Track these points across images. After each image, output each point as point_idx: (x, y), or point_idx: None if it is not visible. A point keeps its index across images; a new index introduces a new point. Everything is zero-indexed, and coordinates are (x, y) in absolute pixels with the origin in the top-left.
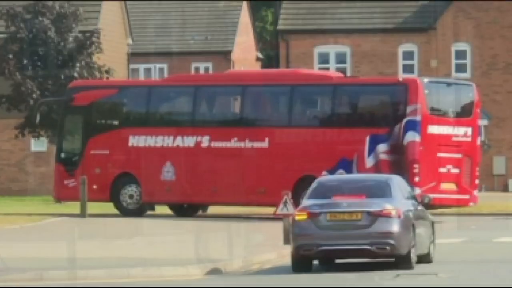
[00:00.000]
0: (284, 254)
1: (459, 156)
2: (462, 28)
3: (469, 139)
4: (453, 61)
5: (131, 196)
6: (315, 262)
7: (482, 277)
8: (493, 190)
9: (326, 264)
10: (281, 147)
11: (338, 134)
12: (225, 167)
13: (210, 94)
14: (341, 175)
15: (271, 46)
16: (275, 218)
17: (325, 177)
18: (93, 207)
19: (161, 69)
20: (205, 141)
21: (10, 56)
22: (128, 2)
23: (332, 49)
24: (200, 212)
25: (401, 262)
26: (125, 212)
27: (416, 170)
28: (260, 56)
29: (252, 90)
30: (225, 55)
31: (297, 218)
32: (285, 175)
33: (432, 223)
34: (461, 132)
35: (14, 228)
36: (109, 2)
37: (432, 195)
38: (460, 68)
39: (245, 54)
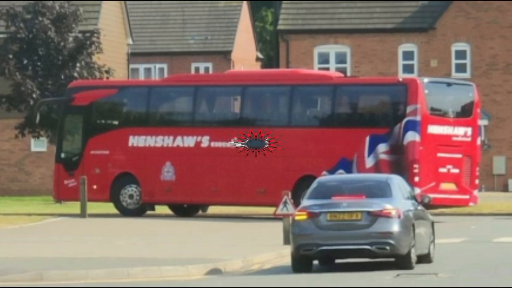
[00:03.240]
0: (284, 254)
1: (459, 156)
2: (462, 28)
3: (469, 139)
4: (453, 61)
5: (131, 196)
6: (315, 262)
7: (482, 277)
8: (493, 190)
9: (326, 264)
10: (281, 147)
11: (338, 134)
12: (225, 167)
13: (210, 94)
14: (341, 175)
15: (271, 46)
16: (275, 218)
17: (325, 177)
18: (93, 207)
19: (161, 69)
20: (205, 141)
21: (10, 56)
22: (128, 2)
23: (332, 49)
24: (200, 212)
25: (401, 262)
26: (125, 212)
27: (416, 170)
28: (260, 56)
29: (252, 90)
30: (225, 55)
31: (297, 218)
32: (285, 175)
33: (432, 223)
34: (461, 132)
35: (14, 228)
36: (109, 2)
37: (432, 195)
38: (460, 68)
39: (245, 54)
